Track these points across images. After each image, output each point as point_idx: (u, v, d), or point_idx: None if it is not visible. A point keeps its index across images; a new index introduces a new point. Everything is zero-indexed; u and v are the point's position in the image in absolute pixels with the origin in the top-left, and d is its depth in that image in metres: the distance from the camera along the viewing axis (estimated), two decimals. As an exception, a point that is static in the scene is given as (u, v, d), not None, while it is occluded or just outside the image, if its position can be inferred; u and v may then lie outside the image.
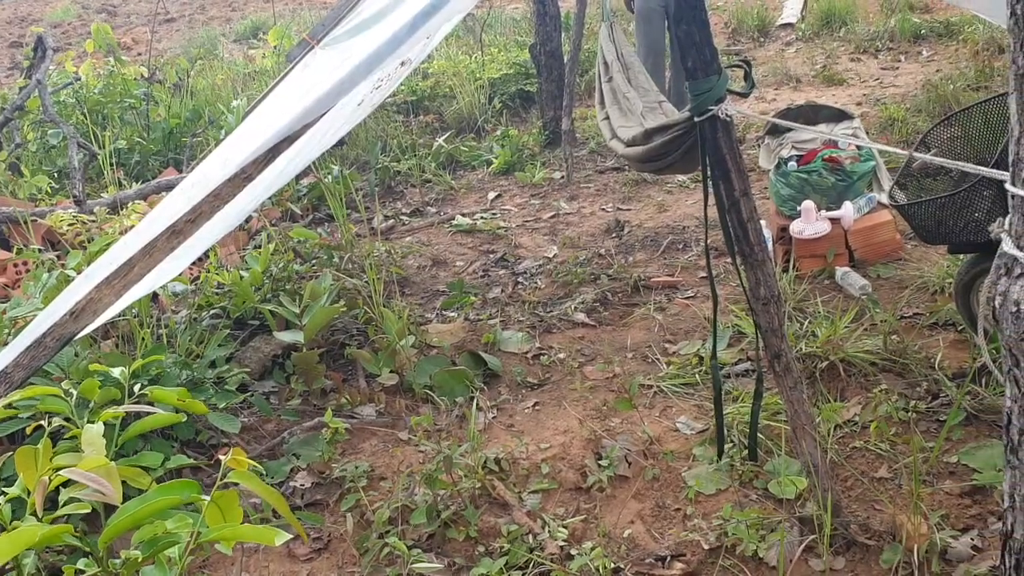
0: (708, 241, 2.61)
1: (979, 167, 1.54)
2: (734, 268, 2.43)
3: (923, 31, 7.94)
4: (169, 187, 4.72)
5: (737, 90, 2.35)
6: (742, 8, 9.51)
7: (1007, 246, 1.07)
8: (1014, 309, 1.05)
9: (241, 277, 4.03)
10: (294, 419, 3.39)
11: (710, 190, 2.39)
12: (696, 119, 2.31)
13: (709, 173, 2.37)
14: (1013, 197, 1.06)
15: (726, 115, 2.22)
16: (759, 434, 2.76)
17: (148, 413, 1.49)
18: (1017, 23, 0.98)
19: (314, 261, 4.46)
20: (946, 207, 2.72)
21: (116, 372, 1.77)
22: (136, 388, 1.80)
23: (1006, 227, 1.10)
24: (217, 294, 4.05)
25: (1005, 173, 1.11)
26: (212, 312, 3.92)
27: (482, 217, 5.42)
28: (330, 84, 2.09)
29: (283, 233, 4.87)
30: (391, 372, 3.59)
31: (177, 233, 2.11)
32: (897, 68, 7.30)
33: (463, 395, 3.42)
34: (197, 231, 2.12)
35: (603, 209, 5.35)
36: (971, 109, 3.08)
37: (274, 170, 2.29)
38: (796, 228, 4.00)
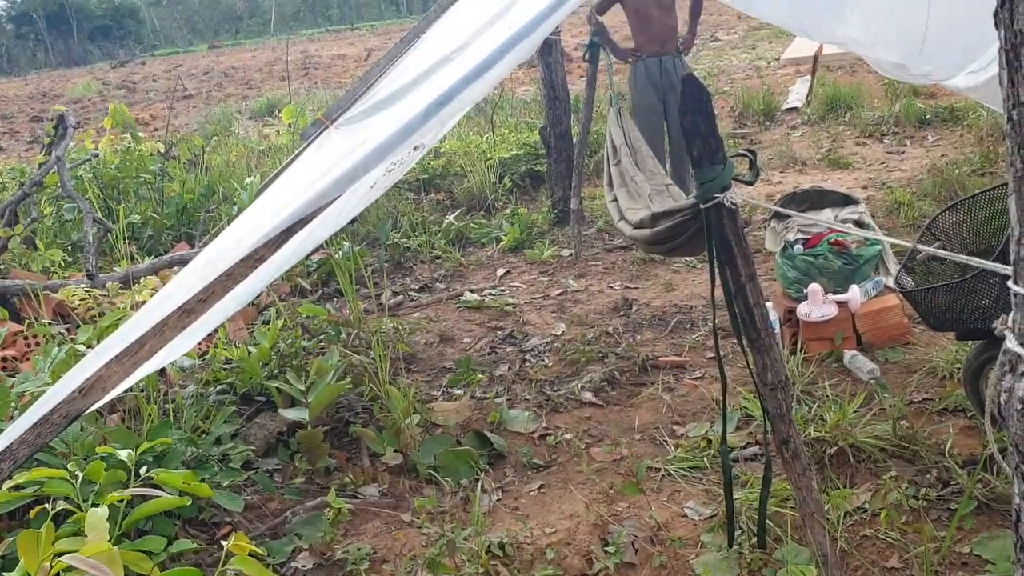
0: (716, 324, 2.62)
1: (982, 260, 1.55)
2: (742, 352, 2.43)
3: (928, 116, 8.08)
4: (182, 262, 4.78)
5: (743, 178, 2.38)
6: (748, 93, 9.72)
7: (1011, 343, 1.08)
8: (1019, 407, 1.05)
9: (249, 353, 4.05)
10: (297, 498, 3.36)
11: (717, 274, 2.41)
12: (702, 206, 2.34)
13: (715, 258, 2.40)
14: (1015, 296, 1.07)
15: (731, 203, 2.25)
16: (768, 521, 2.72)
17: (153, 496, 1.48)
18: (1014, 128, 1.01)
19: (322, 337, 4.48)
20: (952, 294, 2.73)
21: (123, 454, 1.77)
22: (142, 470, 1.80)
23: (1009, 324, 1.11)
24: (224, 369, 4.06)
25: (1008, 268, 1.12)
26: (219, 388, 3.93)
27: (490, 294, 5.45)
28: (344, 168, 2.14)
29: (292, 308, 4.91)
30: (395, 451, 3.56)
31: (189, 312, 2.13)
32: (903, 152, 7.40)
33: (468, 476, 3.39)
34: (209, 310, 2.14)
35: (611, 287, 5.38)
36: (977, 196, 3.11)
37: (286, 251, 2.32)
38: (803, 311, 4.01)
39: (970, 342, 3.08)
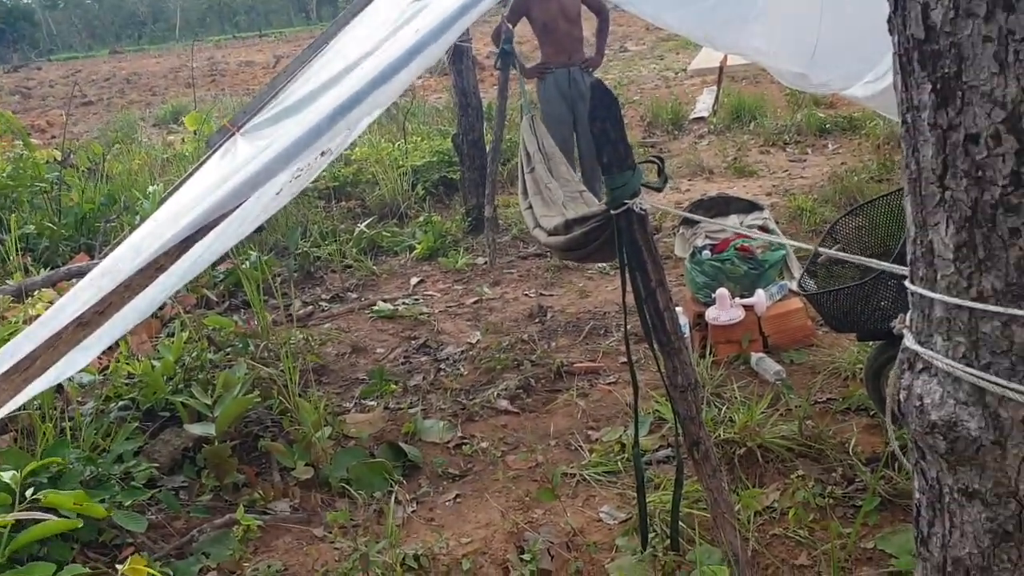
0: (627, 329, 2.64)
1: (880, 262, 1.60)
2: (653, 356, 2.45)
3: (828, 125, 8.38)
4: (80, 273, 4.58)
5: (652, 185, 2.41)
6: (657, 102, 9.91)
7: (909, 341, 1.10)
8: (918, 403, 1.08)
9: (152, 367, 3.90)
10: (204, 516, 3.24)
11: (628, 279, 2.43)
12: (612, 212, 2.36)
13: (626, 263, 2.42)
14: (912, 295, 1.09)
15: (640, 209, 2.27)
16: (681, 523, 2.75)
17: (40, 520, 1.40)
18: (908, 131, 1.04)
19: (229, 350, 4.35)
20: (853, 296, 2.81)
21: (7, 476, 1.67)
22: (28, 492, 1.70)
23: (907, 323, 1.14)
24: (127, 385, 3.91)
25: (905, 269, 1.15)
26: (121, 404, 3.77)
27: (404, 303, 5.39)
28: (248, 173, 2.08)
29: (198, 320, 4.75)
30: (307, 465, 3.48)
31: (85, 325, 2.03)
32: (804, 160, 7.65)
33: (381, 488, 3.33)
34: (106, 322, 2.05)
35: (526, 294, 5.39)
36: (875, 201, 3.23)
37: (187, 261, 2.24)
38: (711, 315, 4.09)
39: (871, 343, 3.19)
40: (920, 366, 1.09)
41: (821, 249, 2.39)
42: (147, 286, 2.09)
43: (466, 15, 1.89)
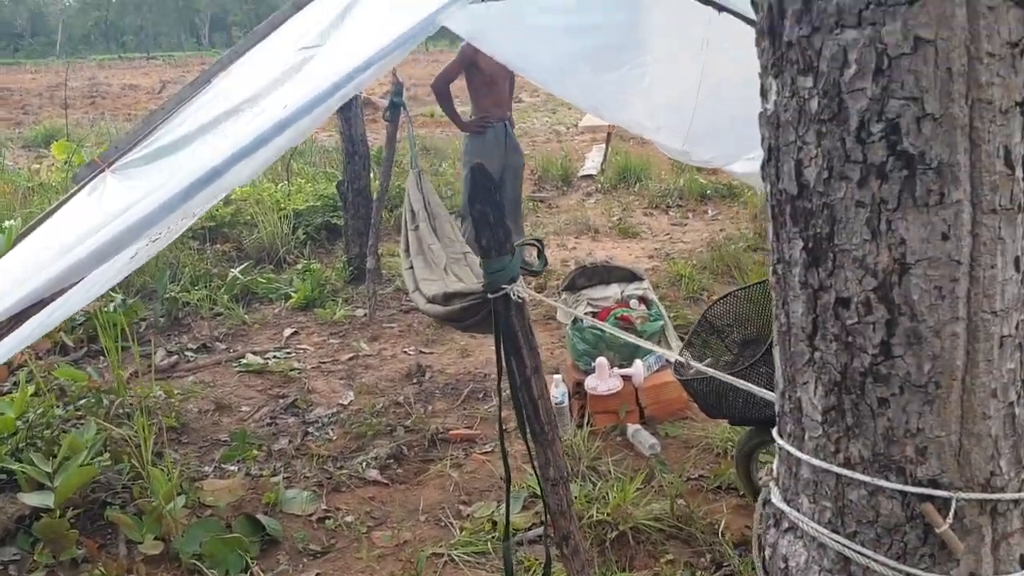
0: (501, 418, 2.55)
1: (738, 380, 1.57)
2: (525, 445, 2.37)
3: (709, 191, 8.63)
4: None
5: (531, 268, 2.36)
6: (548, 157, 10.01)
7: (775, 498, 1.06)
8: (782, 565, 1.03)
9: (-11, 425, 3.58)
10: (34, 597, 2.96)
11: (504, 361, 2.36)
12: (490, 295, 2.29)
13: (502, 346, 2.34)
14: (780, 450, 1.05)
15: (518, 296, 2.21)
16: (549, 613, 2.66)
17: None
18: (779, 283, 1.00)
19: (80, 404, 4.04)
20: (724, 384, 2.82)
21: None
22: None
23: (774, 475, 1.09)
24: (-43, 444, 3.56)
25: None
26: (-52, 466, 3.43)
27: (275, 356, 5.16)
28: (100, 241, 1.90)
29: (48, 370, 4.42)
30: (156, 539, 3.23)
31: None
32: (685, 225, 7.84)
33: (236, 566, 3.12)
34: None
35: (405, 351, 5.25)
36: (750, 287, 3.26)
37: (23, 332, 2.04)
38: (591, 384, 4.07)
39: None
40: (786, 525, 1.04)
41: (688, 360, 2.36)
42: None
43: (337, 94, 1.79)
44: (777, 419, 1.06)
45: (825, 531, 0.98)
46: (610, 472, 3.57)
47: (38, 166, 9.23)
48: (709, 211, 8.22)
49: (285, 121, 1.74)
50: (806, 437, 0.99)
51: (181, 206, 1.76)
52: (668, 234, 7.54)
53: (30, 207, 6.91)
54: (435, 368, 4.95)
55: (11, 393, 4.17)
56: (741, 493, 3.40)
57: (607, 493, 3.36)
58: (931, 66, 0.82)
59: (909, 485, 0.92)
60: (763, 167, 0.99)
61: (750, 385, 1.52)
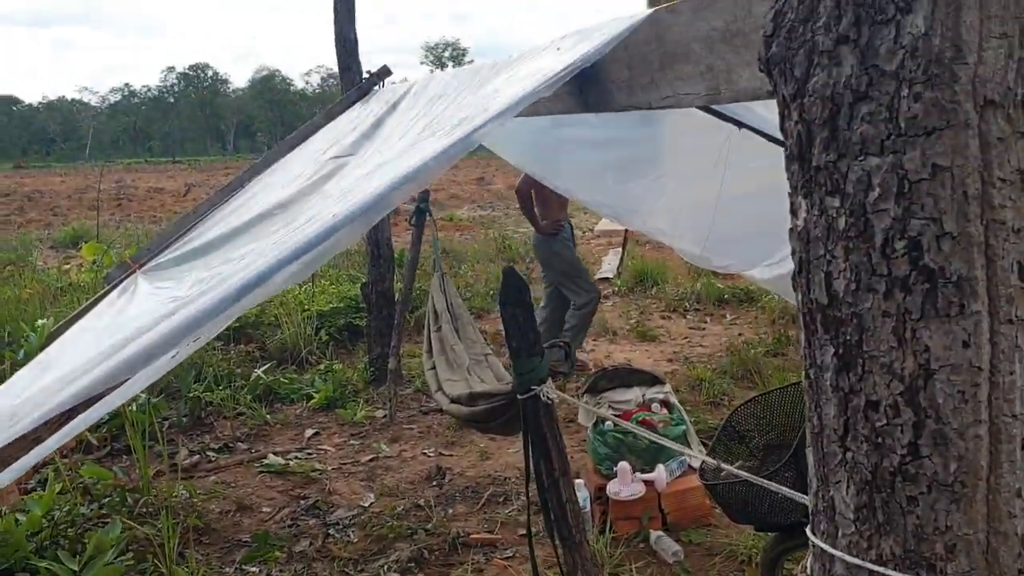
0: (530, 517, 2.57)
1: (777, 486, 1.61)
2: (552, 548, 2.39)
3: (726, 295, 8.72)
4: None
5: (559, 369, 2.42)
6: (565, 260, 10.14)
7: (811, 596, 1.09)
8: (821, 662, 1.06)
9: (16, 522, 3.60)
10: None
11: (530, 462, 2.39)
12: (519, 396, 2.35)
13: (531, 448, 2.39)
14: (814, 547, 1.09)
15: (547, 397, 2.27)
16: None
17: None
18: (811, 387, 1.06)
19: (104, 502, 4.07)
20: (750, 489, 2.82)
21: None
22: None
23: (808, 572, 1.13)
24: (-17, 541, 3.58)
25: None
26: (-27, 564, 3.44)
27: (296, 457, 5.18)
28: (151, 341, 1.98)
29: (74, 468, 4.46)
30: (177, 642, 3.21)
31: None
32: (704, 329, 7.89)
33: (257, 671, 3.09)
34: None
35: (425, 453, 5.26)
36: (770, 393, 3.30)
37: (67, 430, 2.10)
38: (612, 489, 4.05)
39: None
40: (823, 622, 1.07)
41: (719, 464, 2.39)
42: (20, 457, 1.95)
43: (382, 203, 1.89)
44: (811, 518, 1.11)
45: (862, 629, 1.01)
46: (633, 579, 3.53)
47: (68, 266, 9.45)
48: (727, 315, 8.28)
49: (334, 227, 1.84)
50: (839, 534, 1.04)
51: (231, 308, 1.84)
52: (687, 338, 7.59)
53: (60, 306, 7.07)
54: (455, 470, 4.95)
55: (36, 491, 4.21)
56: (768, 602, 3.35)
57: (631, 600, 3.33)
58: (948, 190, 0.90)
59: (941, 583, 0.95)
60: (794, 278, 1.07)
61: (783, 488, 1.56)
